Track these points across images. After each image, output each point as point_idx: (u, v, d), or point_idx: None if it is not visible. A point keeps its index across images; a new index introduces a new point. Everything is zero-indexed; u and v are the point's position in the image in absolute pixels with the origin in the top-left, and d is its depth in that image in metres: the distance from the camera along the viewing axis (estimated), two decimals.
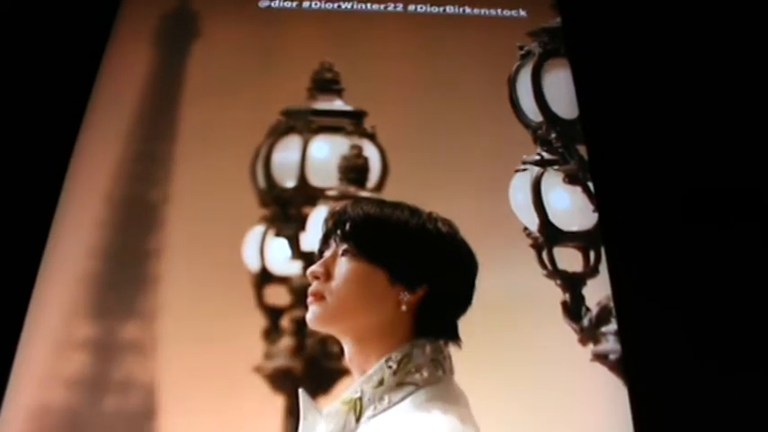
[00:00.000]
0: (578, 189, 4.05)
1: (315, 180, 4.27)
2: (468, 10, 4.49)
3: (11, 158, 4.01)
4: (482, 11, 4.49)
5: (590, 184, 4.02)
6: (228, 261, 4.13)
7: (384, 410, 1.86)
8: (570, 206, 4.05)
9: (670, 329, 3.66)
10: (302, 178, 4.27)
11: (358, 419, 1.87)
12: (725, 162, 3.86)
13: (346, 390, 1.90)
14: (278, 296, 4.17)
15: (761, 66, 3.99)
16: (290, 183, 4.29)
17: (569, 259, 3.98)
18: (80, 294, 4.11)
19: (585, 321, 3.86)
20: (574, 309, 3.89)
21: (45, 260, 4.00)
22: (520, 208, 4.05)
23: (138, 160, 4.30)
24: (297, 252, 4.18)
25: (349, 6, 4.54)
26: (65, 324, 4.06)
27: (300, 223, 4.21)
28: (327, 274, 1.91)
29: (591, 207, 4.00)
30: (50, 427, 3.98)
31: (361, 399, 1.88)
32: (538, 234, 4.01)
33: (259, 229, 4.23)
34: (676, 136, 3.97)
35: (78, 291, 4.11)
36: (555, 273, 3.95)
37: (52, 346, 4.04)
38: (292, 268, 4.16)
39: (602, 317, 3.85)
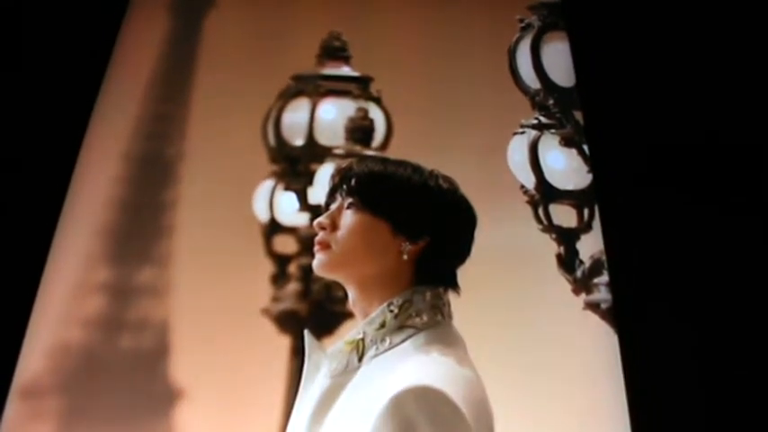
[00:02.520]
0: (574, 151, 4.19)
1: (322, 139, 4.47)
2: None
3: (34, 117, 4.17)
4: None
5: (585, 147, 4.17)
6: (239, 212, 4.32)
7: (385, 351, 1.94)
8: (566, 167, 4.20)
9: (659, 280, 3.81)
10: (310, 137, 4.46)
11: (360, 359, 1.95)
12: (713, 125, 3.99)
13: (349, 331, 1.99)
14: (286, 245, 4.37)
15: (760, 35, 4.08)
16: (298, 141, 4.50)
17: (564, 215, 4.14)
18: (98, 242, 4.30)
19: (579, 273, 4.03)
20: (568, 261, 4.05)
21: (65, 211, 4.16)
22: (517, 167, 4.20)
23: (154, 120, 4.49)
24: (304, 205, 4.39)
25: None
26: (83, 269, 4.25)
27: (308, 178, 4.41)
28: (333, 225, 2.00)
29: (585, 168, 4.15)
30: (69, 363, 4.16)
31: (363, 340, 1.96)
32: (534, 192, 4.16)
33: (269, 183, 4.45)
34: (668, 105, 4.09)
35: (96, 239, 4.30)
36: (550, 227, 4.12)
37: (71, 289, 4.23)
38: (300, 219, 4.38)
39: (595, 269, 4.01)
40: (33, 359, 4.14)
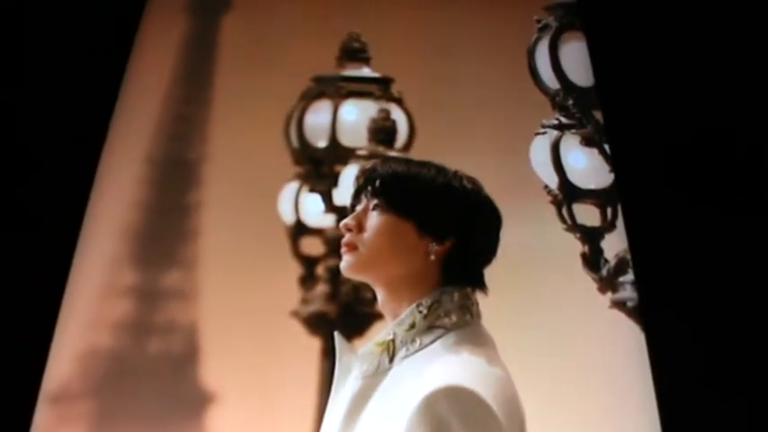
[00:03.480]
0: (595, 151, 4.21)
1: (345, 140, 4.50)
2: None
3: (56, 121, 4.17)
4: None
5: (606, 147, 4.19)
6: (264, 214, 4.35)
7: (416, 352, 1.95)
8: (587, 166, 4.22)
9: (684, 278, 3.83)
10: (333, 138, 4.49)
11: (391, 360, 1.96)
12: (734, 123, 4.01)
13: (380, 333, 2.00)
14: (312, 246, 4.40)
15: None
16: (321, 143, 4.52)
17: (587, 215, 4.16)
18: (123, 245, 4.32)
19: (604, 272, 4.05)
20: (593, 260, 4.07)
21: (88, 213, 4.17)
22: (540, 168, 4.23)
23: (175, 122, 4.51)
24: (330, 206, 4.41)
25: None
26: (109, 273, 4.27)
27: (333, 180, 4.43)
28: (360, 227, 2.01)
29: (607, 168, 4.17)
30: (98, 368, 4.18)
31: (393, 341, 1.97)
32: (557, 191, 4.19)
33: (293, 185, 4.48)
34: (687, 102, 4.11)
35: (121, 242, 4.32)
36: (574, 227, 4.14)
37: (97, 293, 4.24)
38: (326, 221, 4.40)
39: (620, 268, 4.04)
40: (62, 364, 4.15)
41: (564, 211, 4.15)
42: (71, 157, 4.17)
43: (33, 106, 4.19)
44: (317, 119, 4.53)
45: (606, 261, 4.08)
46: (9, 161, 4.16)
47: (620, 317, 4.04)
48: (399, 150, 4.42)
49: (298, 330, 4.24)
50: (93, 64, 4.28)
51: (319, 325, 4.22)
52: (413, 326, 1.97)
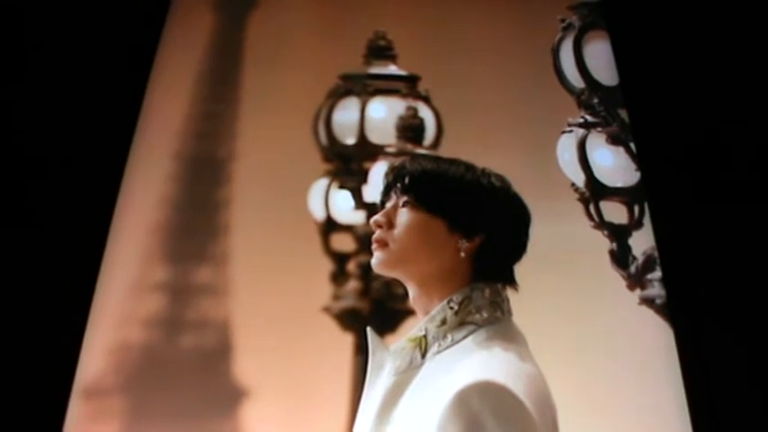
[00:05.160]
0: (621, 149, 4.25)
1: (374, 138, 4.52)
2: None
3: (85, 119, 4.20)
4: None
5: (632, 145, 4.22)
6: (295, 211, 4.37)
7: (447, 347, 1.98)
8: (614, 164, 4.26)
9: (713, 276, 3.86)
10: (362, 136, 4.52)
11: (423, 355, 1.98)
12: (759, 120, 4.03)
13: (411, 328, 2.03)
14: (343, 243, 4.43)
15: None
16: (350, 140, 4.55)
17: (615, 212, 4.20)
18: (154, 242, 4.35)
19: (632, 269, 4.08)
20: (621, 257, 4.11)
21: (118, 209, 4.20)
22: (567, 166, 4.27)
23: (204, 120, 4.53)
24: (359, 203, 4.44)
25: None
26: (140, 269, 4.30)
27: (362, 177, 4.47)
28: (390, 224, 2.04)
29: (633, 166, 4.20)
30: (130, 363, 4.20)
31: (425, 336, 2.00)
32: (584, 189, 4.22)
33: (323, 181, 4.50)
34: (711, 101, 4.13)
35: (152, 238, 4.35)
36: (602, 224, 4.18)
37: (129, 288, 4.27)
38: (356, 218, 4.43)
39: (648, 265, 4.07)
40: (94, 359, 4.18)
41: (591, 209, 4.18)
42: (100, 154, 4.20)
43: (63, 104, 4.23)
44: (346, 116, 4.55)
45: (634, 258, 4.12)
46: (41, 158, 4.19)
47: (649, 314, 4.07)
48: (427, 148, 4.44)
49: (330, 326, 4.27)
50: (121, 62, 4.31)
51: (351, 321, 4.24)
52: (444, 322, 1.99)
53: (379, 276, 2.49)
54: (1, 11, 4.27)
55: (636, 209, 4.18)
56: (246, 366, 4.30)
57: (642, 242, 4.12)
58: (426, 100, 4.53)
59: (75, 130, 4.22)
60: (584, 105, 4.32)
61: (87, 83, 4.27)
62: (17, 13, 4.30)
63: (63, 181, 4.16)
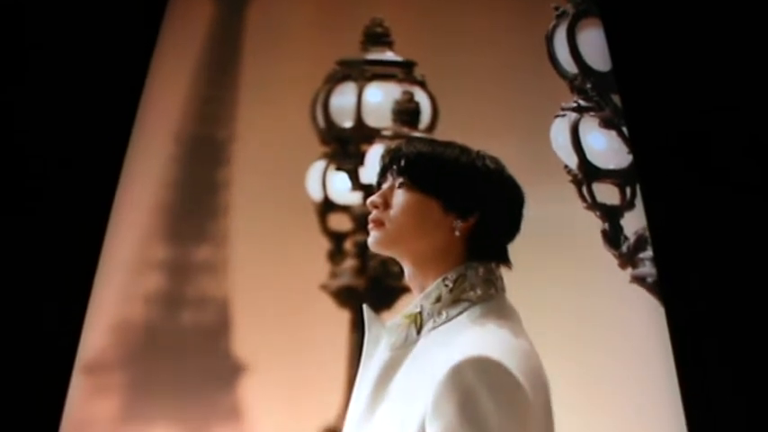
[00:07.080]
0: (613, 133, 4.30)
1: (370, 121, 4.60)
2: None
3: (88, 101, 4.26)
4: None
5: (624, 129, 4.28)
6: (293, 192, 4.44)
7: (442, 324, 2.02)
8: (606, 147, 4.31)
9: (702, 255, 3.91)
10: (359, 119, 4.58)
11: (419, 332, 2.02)
12: (745, 104, 4.07)
13: (407, 305, 2.07)
14: (340, 222, 4.50)
15: None
16: (347, 123, 4.62)
17: (607, 194, 4.25)
18: (154, 221, 4.41)
19: (624, 248, 4.14)
20: (613, 237, 4.16)
21: (120, 189, 4.26)
22: (560, 148, 4.32)
23: (204, 103, 4.59)
24: (356, 184, 4.52)
25: None
26: (141, 247, 4.37)
27: (359, 159, 4.54)
28: (386, 204, 2.08)
29: (626, 149, 4.26)
30: (132, 339, 4.26)
31: (421, 313, 2.03)
32: (577, 171, 4.28)
33: (321, 163, 4.58)
34: (702, 85, 4.17)
35: (152, 217, 4.42)
36: (594, 205, 4.24)
37: (130, 267, 4.34)
38: (353, 198, 4.50)
39: (639, 244, 4.13)
40: (96, 335, 4.24)
41: (584, 190, 4.24)
42: (104, 137, 4.27)
43: (66, 88, 4.28)
44: (343, 100, 4.62)
45: (626, 238, 4.17)
46: (44, 140, 4.25)
47: (641, 292, 4.13)
48: (423, 131, 4.51)
49: (327, 303, 4.34)
50: (123, 47, 4.36)
51: (348, 298, 4.31)
52: (439, 299, 2.03)
53: (375, 255, 2.53)
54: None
55: (628, 190, 4.23)
56: (245, 342, 4.36)
57: (634, 222, 4.18)
58: (422, 85, 4.60)
59: (80, 113, 4.27)
60: (578, 90, 4.37)
61: (91, 66, 4.33)
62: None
63: (68, 162, 4.23)
